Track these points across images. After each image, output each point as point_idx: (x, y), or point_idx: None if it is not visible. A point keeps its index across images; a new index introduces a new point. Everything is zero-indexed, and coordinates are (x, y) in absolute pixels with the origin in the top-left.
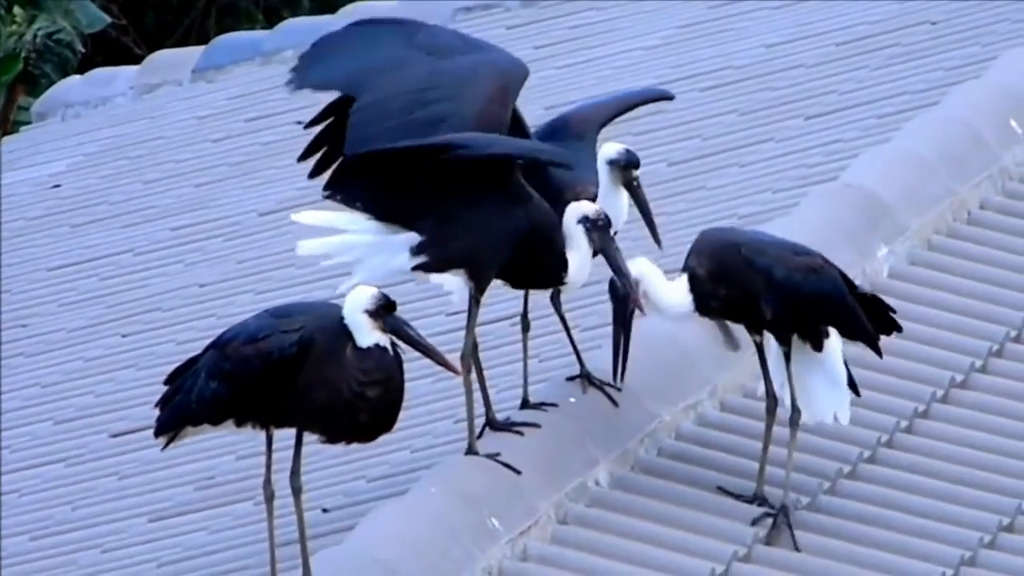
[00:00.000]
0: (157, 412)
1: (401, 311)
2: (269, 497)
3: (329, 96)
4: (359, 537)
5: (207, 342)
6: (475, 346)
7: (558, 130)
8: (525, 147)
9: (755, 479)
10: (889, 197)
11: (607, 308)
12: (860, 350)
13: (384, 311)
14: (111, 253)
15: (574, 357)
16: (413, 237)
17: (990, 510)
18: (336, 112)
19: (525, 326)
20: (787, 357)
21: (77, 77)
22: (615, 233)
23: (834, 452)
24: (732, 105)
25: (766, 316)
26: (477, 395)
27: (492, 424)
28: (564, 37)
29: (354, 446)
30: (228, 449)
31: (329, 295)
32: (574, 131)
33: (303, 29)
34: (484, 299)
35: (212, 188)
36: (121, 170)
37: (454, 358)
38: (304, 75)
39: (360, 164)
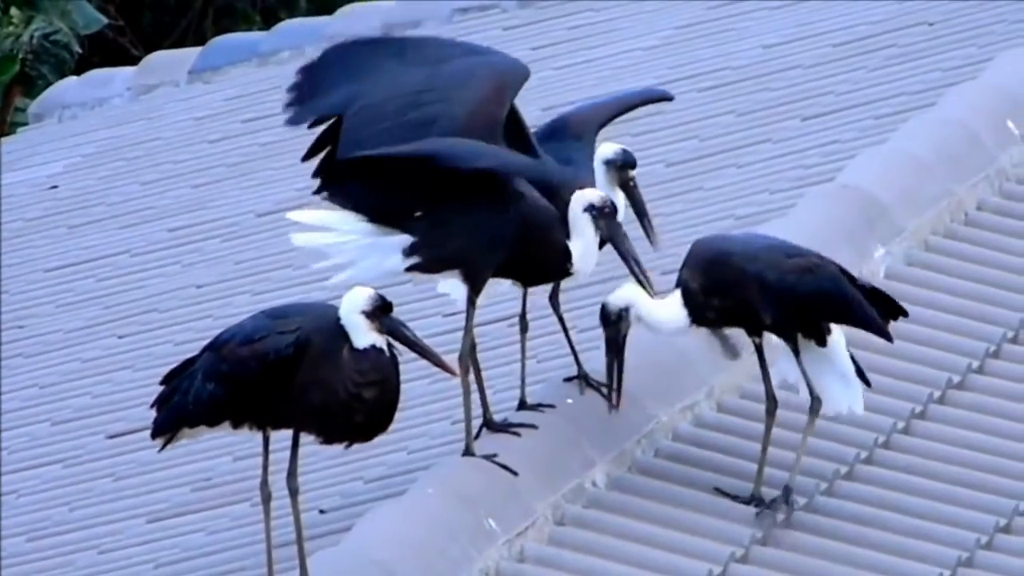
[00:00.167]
0: (154, 413)
1: (398, 312)
2: (266, 498)
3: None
4: (356, 538)
5: (205, 343)
6: (473, 347)
7: (557, 131)
8: (510, 162)
9: (752, 480)
10: (886, 198)
11: None
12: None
13: (381, 312)
14: (108, 254)
15: (572, 358)
16: (406, 239)
17: (987, 511)
18: (339, 112)
19: (523, 327)
20: (796, 352)
21: (74, 78)
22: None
23: (831, 453)
24: (730, 106)
25: (766, 321)
26: (475, 396)
27: (489, 425)
28: (562, 38)
29: (351, 447)
30: (225, 450)
31: (326, 296)
32: (573, 132)
33: (300, 30)
34: (482, 300)
35: (209, 189)
36: (118, 171)
37: (451, 359)
38: (303, 107)
39: (351, 167)
